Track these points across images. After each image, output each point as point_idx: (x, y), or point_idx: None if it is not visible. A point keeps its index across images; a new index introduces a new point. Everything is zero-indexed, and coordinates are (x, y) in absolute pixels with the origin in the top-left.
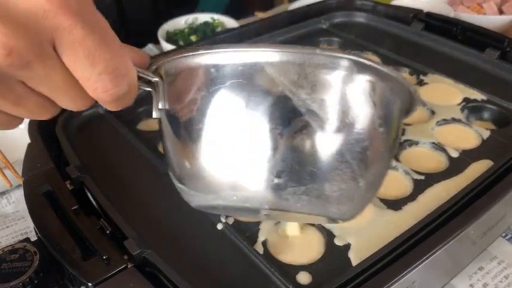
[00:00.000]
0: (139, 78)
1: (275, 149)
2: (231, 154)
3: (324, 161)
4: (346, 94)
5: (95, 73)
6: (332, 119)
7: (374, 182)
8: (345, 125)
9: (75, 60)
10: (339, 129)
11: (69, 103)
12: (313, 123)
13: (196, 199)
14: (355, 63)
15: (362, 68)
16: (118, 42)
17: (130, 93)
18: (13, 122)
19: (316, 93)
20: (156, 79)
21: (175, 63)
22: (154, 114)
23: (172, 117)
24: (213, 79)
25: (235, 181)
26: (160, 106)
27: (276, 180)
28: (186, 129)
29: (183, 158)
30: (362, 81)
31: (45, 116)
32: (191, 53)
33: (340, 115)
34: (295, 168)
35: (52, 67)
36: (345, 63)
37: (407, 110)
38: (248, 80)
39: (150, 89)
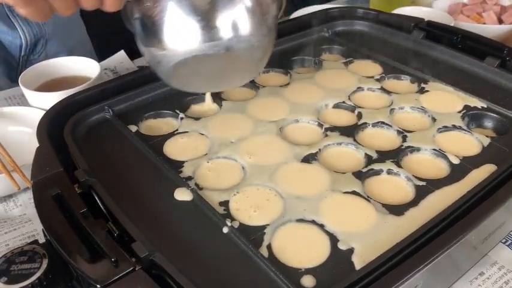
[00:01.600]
0: None
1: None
2: (191, 26)
3: (250, 24)
4: None
5: None
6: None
7: (270, 44)
8: (255, 5)
9: None
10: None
11: (63, 8)
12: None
13: (174, 58)
14: None
15: None
16: None
17: None
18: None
19: None
20: None
21: None
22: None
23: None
24: None
25: (201, 37)
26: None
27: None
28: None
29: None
30: None
31: (41, 18)
32: None
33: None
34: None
35: None
36: None
37: (280, 7)
38: None
39: None
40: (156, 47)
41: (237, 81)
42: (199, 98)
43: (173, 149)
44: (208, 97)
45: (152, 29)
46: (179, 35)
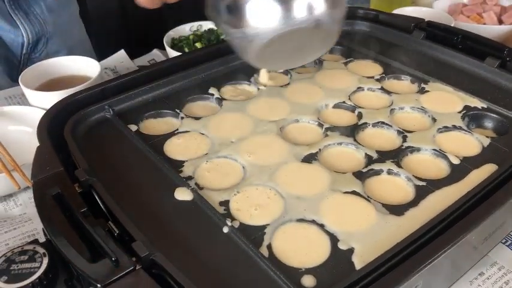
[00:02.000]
0: None
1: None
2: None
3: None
4: None
5: None
6: None
7: (343, 19)
8: None
9: None
10: None
11: None
12: None
13: (267, 36)
14: None
15: None
16: None
17: None
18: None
19: None
20: None
21: None
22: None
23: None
24: None
25: (294, 12)
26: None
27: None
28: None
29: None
30: None
31: (152, 5)
32: None
33: None
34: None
35: None
36: None
37: None
38: None
39: None
40: (248, 27)
41: (312, 56)
42: (198, 97)
43: (173, 148)
44: (264, 72)
45: (245, 9)
46: (274, 11)
